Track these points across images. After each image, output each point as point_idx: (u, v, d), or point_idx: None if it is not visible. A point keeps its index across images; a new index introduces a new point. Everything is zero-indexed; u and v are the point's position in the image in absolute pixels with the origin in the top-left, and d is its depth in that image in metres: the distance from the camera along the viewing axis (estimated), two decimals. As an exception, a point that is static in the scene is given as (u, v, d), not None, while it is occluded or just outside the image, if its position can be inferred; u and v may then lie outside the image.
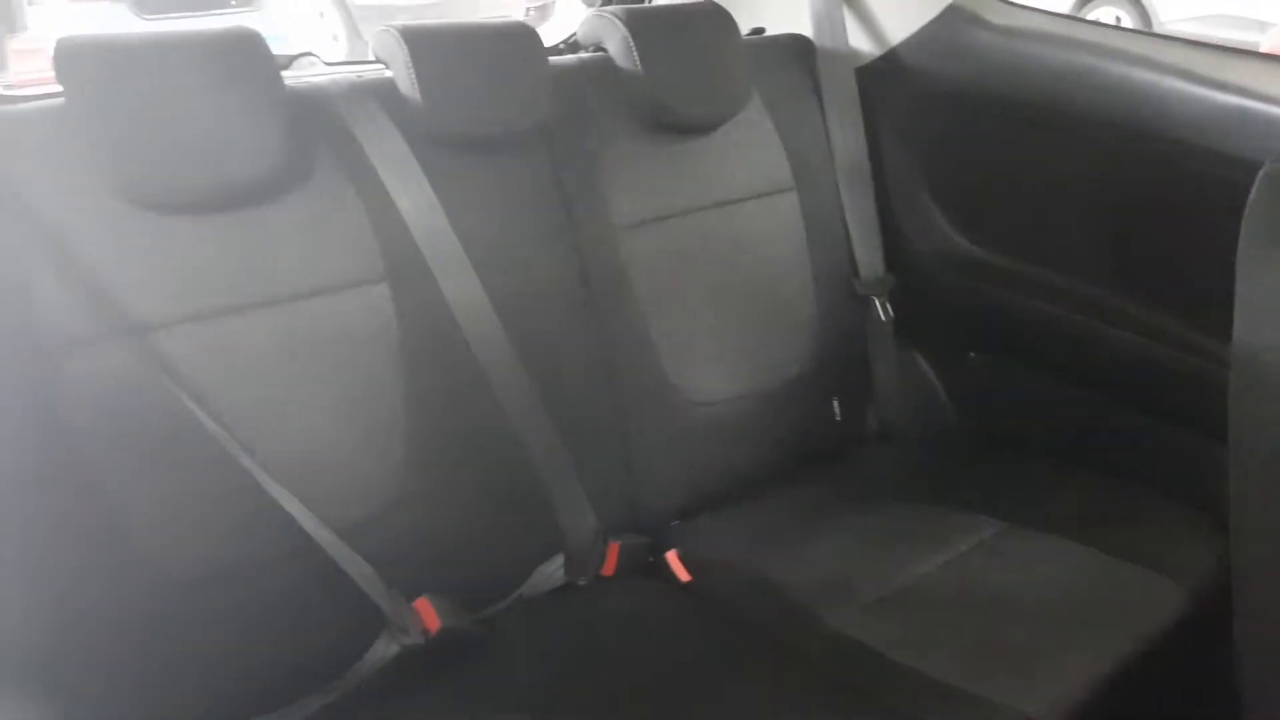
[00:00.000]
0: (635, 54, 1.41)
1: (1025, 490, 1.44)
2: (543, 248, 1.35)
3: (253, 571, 1.12)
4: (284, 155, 1.14)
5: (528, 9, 5.09)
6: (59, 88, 1.06)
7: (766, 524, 1.43)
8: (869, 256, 1.63)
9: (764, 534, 1.40)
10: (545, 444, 1.28)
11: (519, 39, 1.34)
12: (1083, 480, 1.45)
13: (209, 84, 1.10)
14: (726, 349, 1.50)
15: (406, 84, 1.25)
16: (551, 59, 1.38)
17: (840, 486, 1.55)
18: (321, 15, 5.19)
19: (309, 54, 1.51)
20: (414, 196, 1.22)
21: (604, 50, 1.47)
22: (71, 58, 1.05)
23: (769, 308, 1.55)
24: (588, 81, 1.43)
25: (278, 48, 1.25)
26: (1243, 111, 1.24)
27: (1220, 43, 1.35)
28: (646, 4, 1.72)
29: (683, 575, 1.34)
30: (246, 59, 1.14)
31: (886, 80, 1.62)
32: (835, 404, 1.63)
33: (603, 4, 1.75)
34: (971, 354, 1.67)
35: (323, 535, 1.12)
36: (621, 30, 1.42)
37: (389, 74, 1.28)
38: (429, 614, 1.19)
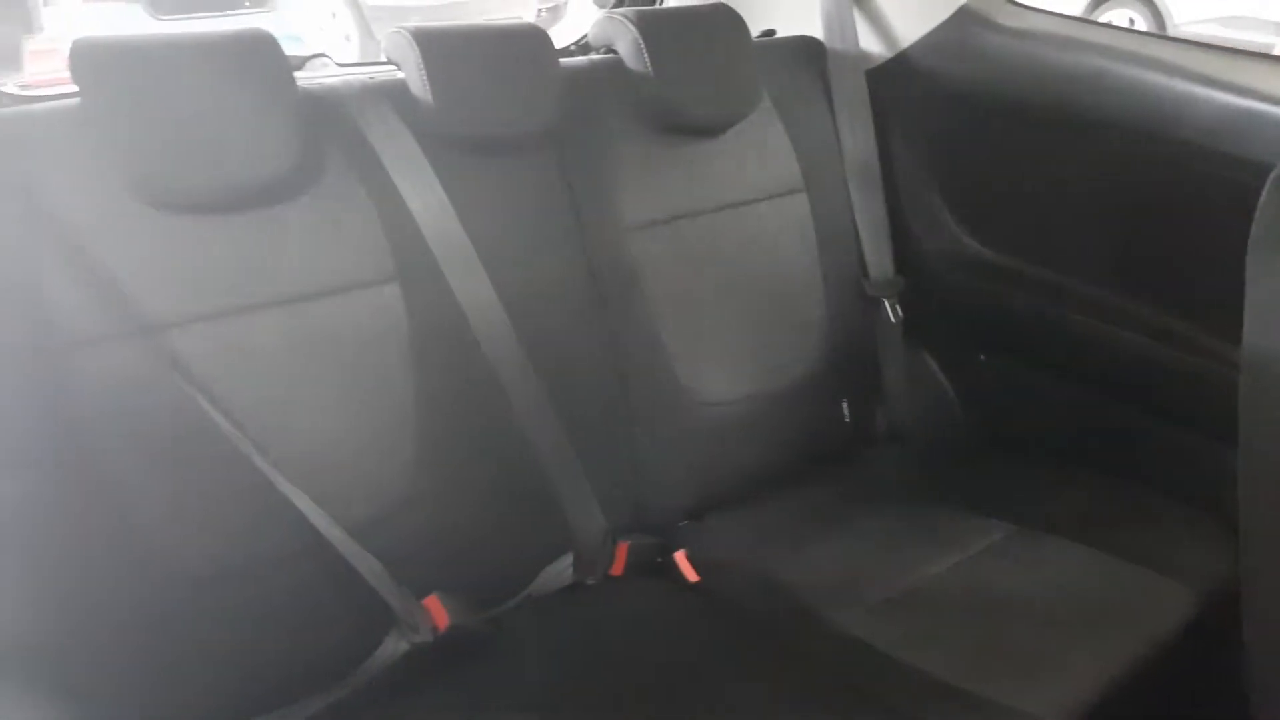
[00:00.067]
0: (646, 56, 1.42)
1: (1034, 492, 1.44)
2: (553, 248, 1.36)
3: (263, 569, 1.13)
4: (296, 156, 1.15)
5: (539, 10, 5.10)
6: (74, 88, 1.07)
7: (775, 525, 1.43)
8: (879, 258, 1.63)
9: (772, 535, 1.40)
10: (554, 444, 1.29)
11: (530, 41, 1.35)
12: (1091, 482, 1.45)
13: (222, 85, 1.11)
14: (735, 350, 1.50)
15: (418, 85, 1.25)
16: (562, 61, 1.38)
17: (849, 488, 1.55)
18: (334, 16, 5.21)
19: (321, 55, 1.51)
20: (425, 197, 1.23)
21: (615, 52, 1.47)
22: (87, 58, 1.06)
23: (778, 309, 1.55)
24: (598, 83, 1.43)
25: (293, 48, 1.25)
26: (1254, 114, 1.23)
27: (1235, 45, 1.35)
28: (657, 6, 1.73)
29: (691, 575, 1.34)
30: (259, 60, 1.14)
31: (897, 82, 1.62)
32: (844, 405, 1.63)
33: (614, 6, 1.75)
34: (981, 356, 1.67)
35: (333, 533, 1.12)
36: (632, 32, 1.43)
37: (401, 75, 1.29)
38: (438, 612, 1.19)
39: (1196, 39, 1.49)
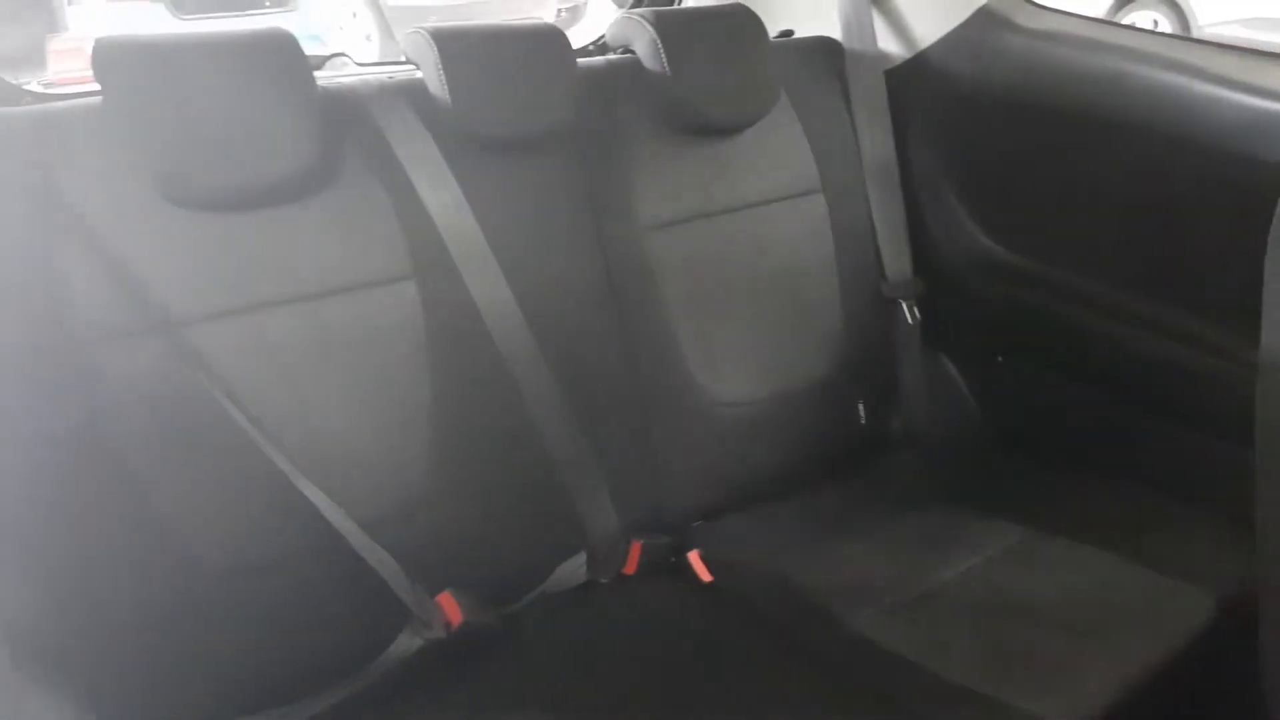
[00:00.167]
0: (663, 56, 1.42)
1: (1050, 496, 1.43)
2: (569, 248, 1.36)
3: (277, 564, 1.14)
4: (316, 154, 1.16)
5: (559, 10, 5.11)
6: (97, 86, 1.08)
7: (789, 526, 1.43)
8: (896, 259, 1.62)
9: (786, 536, 1.40)
10: (569, 442, 1.29)
11: (547, 41, 1.35)
12: (1109, 487, 1.44)
13: (243, 84, 1.12)
14: (752, 350, 1.50)
15: (436, 85, 1.26)
16: (580, 61, 1.39)
17: (864, 490, 1.54)
18: (355, 16, 5.24)
19: (341, 54, 1.53)
20: (442, 196, 1.23)
21: (632, 52, 1.47)
22: (109, 57, 1.07)
23: (795, 310, 1.54)
24: (615, 83, 1.43)
25: (313, 48, 1.26)
26: (1275, 116, 1.22)
27: (1258, 47, 1.33)
28: (675, 6, 1.73)
29: (705, 575, 1.34)
30: (280, 60, 1.15)
31: (915, 83, 1.61)
32: (861, 407, 1.62)
33: (632, 6, 1.76)
34: (999, 358, 1.66)
35: (347, 529, 1.13)
36: (650, 32, 1.43)
37: (419, 75, 1.30)
38: (452, 608, 1.20)
39: (1218, 40, 1.47)
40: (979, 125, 1.57)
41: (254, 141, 1.12)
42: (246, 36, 1.15)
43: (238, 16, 1.81)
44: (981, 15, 1.54)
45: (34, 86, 1.29)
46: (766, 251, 1.52)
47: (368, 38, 5.20)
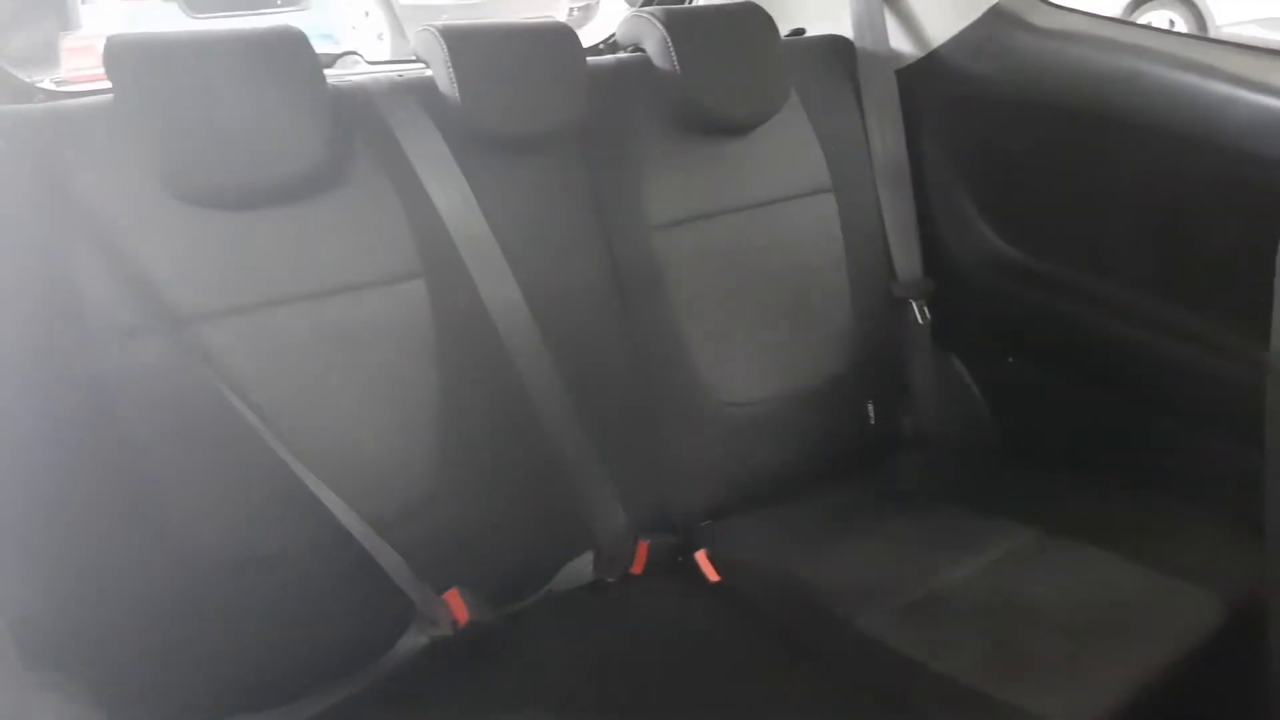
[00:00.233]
0: (673, 54, 1.41)
1: (1059, 498, 1.43)
2: (577, 246, 1.36)
3: (285, 561, 1.14)
4: (325, 152, 1.16)
5: (571, 9, 5.12)
6: (109, 84, 1.08)
7: (797, 526, 1.43)
8: (907, 259, 1.61)
9: (794, 536, 1.40)
10: (577, 441, 1.29)
11: (557, 39, 1.35)
12: (1118, 489, 1.43)
13: (254, 82, 1.13)
14: (760, 350, 1.50)
15: (445, 83, 1.26)
16: (590, 59, 1.38)
17: (873, 490, 1.54)
18: (367, 15, 5.26)
19: (352, 53, 1.53)
20: (451, 194, 1.23)
21: (642, 50, 1.47)
22: (121, 55, 1.08)
23: (804, 309, 1.54)
24: (625, 82, 1.43)
25: (325, 47, 1.27)
26: None
27: (1276, 47, 1.32)
28: (686, 4, 1.73)
29: (712, 575, 1.34)
30: (290, 58, 1.16)
31: (927, 82, 1.61)
32: (870, 407, 1.62)
33: (643, 4, 1.75)
34: (1009, 359, 1.65)
35: (355, 526, 1.14)
36: (660, 31, 1.43)
37: (429, 73, 1.30)
38: (458, 606, 1.20)
39: (1233, 39, 1.46)
40: (991, 125, 1.57)
41: (264, 139, 1.12)
42: (257, 35, 1.15)
43: (250, 15, 1.81)
44: (994, 14, 1.53)
45: (46, 84, 1.30)
46: (776, 251, 1.51)
47: (380, 36, 5.23)
